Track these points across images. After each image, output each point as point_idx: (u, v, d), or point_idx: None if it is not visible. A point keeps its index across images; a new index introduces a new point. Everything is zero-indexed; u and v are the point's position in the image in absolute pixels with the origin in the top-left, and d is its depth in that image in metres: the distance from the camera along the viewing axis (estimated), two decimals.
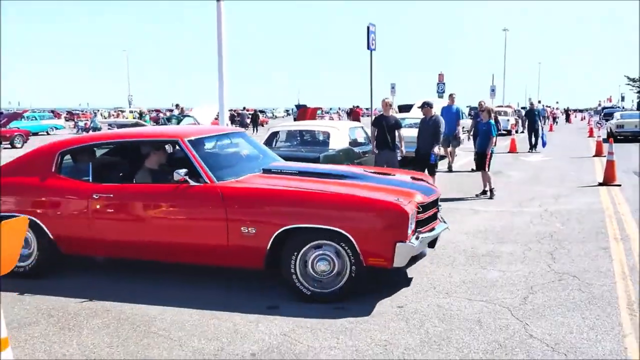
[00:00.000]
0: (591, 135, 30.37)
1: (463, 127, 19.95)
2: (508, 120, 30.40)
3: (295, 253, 4.99)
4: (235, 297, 5.19)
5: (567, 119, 53.45)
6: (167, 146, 6.24)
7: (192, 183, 5.26)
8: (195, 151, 5.47)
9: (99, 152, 6.46)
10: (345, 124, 12.02)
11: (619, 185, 11.53)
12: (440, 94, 32.90)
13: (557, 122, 48.12)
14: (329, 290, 4.99)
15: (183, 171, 5.22)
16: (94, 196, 5.50)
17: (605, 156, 17.46)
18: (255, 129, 37.29)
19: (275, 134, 10.86)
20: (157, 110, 64.79)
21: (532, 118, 20.94)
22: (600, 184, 11.81)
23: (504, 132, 28.07)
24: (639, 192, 10.61)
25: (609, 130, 26.88)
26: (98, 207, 5.48)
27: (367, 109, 47.62)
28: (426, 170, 9.73)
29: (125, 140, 6.36)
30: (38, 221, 5.63)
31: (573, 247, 6.78)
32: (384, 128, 9.82)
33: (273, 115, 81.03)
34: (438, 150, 10.69)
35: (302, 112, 29.85)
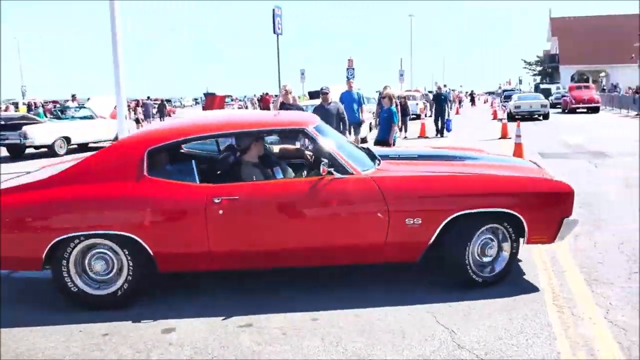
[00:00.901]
0: (495, 117, 31.42)
1: (373, 113, 19.86)
2: (417, 104, 30.74)
3: (468, 241, 4.73)
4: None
5: (472, 102, 55.32)
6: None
7: (337, 175, 4.61)
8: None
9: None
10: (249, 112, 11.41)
11: None
12: (350, 79, 32.78)
13: (462, 105, 49.64)
14: (490, 274, 4.88)
15: (327, 162, 4.59)
16: (215, 200, 4.49)
17: (510, 138, 17.94)
18: (161, 119, 35.66)
19: None
20: (55, 102, 60.79)
21: (439, 102, 20.84)
22: None
23: (414, 116, 28.38)
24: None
25: (508, 111, 28.43)
26: (221, 212, 4.48)
27: (276, 96, 46.87)
28: None
29: (234, 132, 5.18)
30: (135, 237, 4.51)
31: None
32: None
33: (181, 104, 78.55)
34: (348, 137, 10.34)
35: (210, 100, 28.79)
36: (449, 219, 4.62)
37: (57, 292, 4.67)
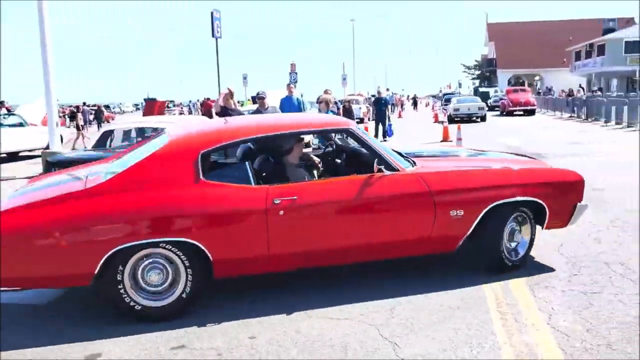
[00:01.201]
0: (436, 120, 31.97)
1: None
2: (360, 108, 30.90)
3: (502, 229, 5.15)
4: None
5: (415, 106, 56.16)
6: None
7: (386, 173, 4.82)
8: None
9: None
10: (187, 119, 11.06)
11: None
12: (294, 83, 32.63)
13: (404, 109, 50.37)
14: (517, 258, 5.35)
15: (378, 160, 4.83)
16: (275, 201, 4.48)
17: (452, 141, 18.20)
18: (99, 126, 34.44)
19: (108, 133, 9.54)
20: None
21: (379, 107, 20.44)
22: None
23: (357, 120, 28.52)
24: None
25: (449, 114, 29.27)
26: (282, 213, 4.48)
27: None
28: None
29: (283, 133, 5.10)
30: (197, 243, 4.35)
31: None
32: None
33: (121, 110, 76.44)
34: None
35: (150, 106, 27.98)
36: (487, 209, 4.99)
37: (112, 305, 4.44)
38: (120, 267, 4.30)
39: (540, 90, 58.81)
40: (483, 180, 5.12)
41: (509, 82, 68.25)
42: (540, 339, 3.99)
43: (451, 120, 26.96)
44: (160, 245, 4.34)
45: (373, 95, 39.47)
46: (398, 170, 4.88)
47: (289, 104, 12.31)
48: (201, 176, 4.45)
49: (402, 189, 4.82)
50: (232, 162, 5.27)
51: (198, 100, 54.40)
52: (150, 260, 4.39)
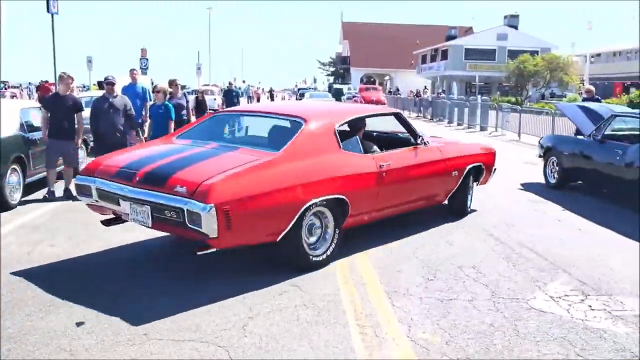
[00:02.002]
0: None
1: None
2: (215, 99, 30.07)
3: (470, 186, 7.59)
4: None
5: (271, 99, 56.03)
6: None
7: (423, 147, 6.75)
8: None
9: None
10: (15, 103, 9.69)
11: None
12: (144, 70, 30.89)
13: (260, 102, 50.06)
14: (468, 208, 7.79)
15: (421, 136, 6.88)
16: (382, 165, 5.92)
17: None
18: None
19: None
20: None
21: (230, 99, 19.24)
22: None
23: (212, 111, 27.61)
24: None
25: None
26: (384, 175, 5.92)
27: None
28: None
29: (370, 114, 6.80)
30: (345, 198, 5.45)
31: None
32: (59, 110, 8.09)
33: None
34: (138, 138, 9.25)
35: None
36: (466, 170, 7.32)
37: (294, 257, 5.21)
38: (303, 224, 5.14)
39: (390, 90, 61.73)
40: (465, 151, 7.56)
41: (362, 80, 70.88)
42: (401, 353, 3.79)
43: None
44: (325, 202, 5.28)
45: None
46: (427, 143, 6.84)
47: (133, 93, 10.86)
48: (341, 147, 5.68)
49: (432, 157, 6.80)
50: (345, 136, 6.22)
51: (29, 84, 49.60)
52: (312, 217, 5.27)
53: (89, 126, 8.88)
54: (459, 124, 25.60)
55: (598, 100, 13.42)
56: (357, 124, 6.51)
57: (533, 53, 46.76)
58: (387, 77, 77.59)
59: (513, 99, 40.14)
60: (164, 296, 4.66)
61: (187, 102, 11.68)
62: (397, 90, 54.96)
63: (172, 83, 10.94)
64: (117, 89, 9.21)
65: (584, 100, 13.29)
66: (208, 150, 5.45)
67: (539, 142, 10.90)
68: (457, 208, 7.46)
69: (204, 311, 4.36)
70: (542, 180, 10.24)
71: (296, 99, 46.11)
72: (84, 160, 10.54)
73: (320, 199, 5.17)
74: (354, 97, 43.19)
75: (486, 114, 22.90)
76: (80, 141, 8.63)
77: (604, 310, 4.53)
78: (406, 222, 7.13)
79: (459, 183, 7.23)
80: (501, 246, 6.26)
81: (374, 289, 4.90)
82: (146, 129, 9.73)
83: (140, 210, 4.93)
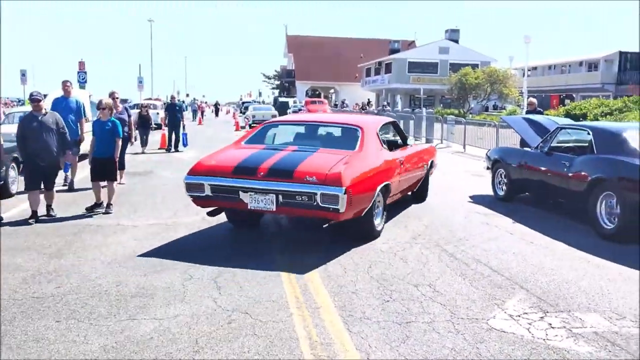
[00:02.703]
0: (238, 128, 31.62)
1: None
2: (158, 113, 29.28)
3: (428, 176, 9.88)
4: None
5: (216, 113, 55.33)
6: None
7: (410, 145, 9.30)
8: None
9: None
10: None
11: None
12: (82, 83, 29.81)
13: (205, 116, 49.28)
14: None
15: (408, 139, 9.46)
16: (399, 159, 7.90)
17: None
18: None
19: None
20: None
21: (173, 113, 18.48)
22: None
23: (155, 126, 26.93)
24: None
25: (250, 122, 29.97)
26: (401, 166, 7.82)
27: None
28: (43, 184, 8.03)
29: (385, 123, 8.65)
30: (390, 184, 7.36)
31: (239, 268, 5.79)
32: None
33: None
34: (72, 158, 8.72)
35: None
36: (429, 162, 9.54)
37: (368, 229, 6.94)
38: (376, 203, 6.99)
39: (336, 103, 62.00)
40: (427, 150, 9.85)
41: (307, 94, 70.94)
42: None
43: (251, 127, 27.20)
44: (385, 186, 7.13)
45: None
46: (412, 145, 9.25)
47: (65, 107, 9.99)
48: (383, 145, 7.65)
49: (417, 153, 8.96)
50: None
51: None
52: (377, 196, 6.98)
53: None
54: None
55: (541, 113, 13.71)
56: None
57: (474, 66, 48.00)
58: (332, 90, 78.00)
59: (456, 111, 40.97)
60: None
61: (129, 116, 11.07)
62: (343, 103, 55.15)
63: (111, 96, 10.33)
64: (48, 103, 8.61)
65: (528, 112, 13.53)
66: (296, 151, 6.97)
67: (487, 155, 10.95)
68: (421, 194, 9.49)
69: (144, 341, 3.98)
70: (491, 193, 10.27)
71: (241, 112, 46.60)
72: (16, 179, 9.89)
73: (383, 184, 6.99)
74: (300, 110, 43.09)
75: (431, 126, 23.15)
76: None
77: (564, 328, 4.42)
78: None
79: (425, 173, 9.29)
80: (456, 262, 6.12)
81: (329, 313, 4.64)
82: (89, 146, 8.98)
83: (263, 199, 6.31)
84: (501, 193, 9.92)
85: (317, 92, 76.90)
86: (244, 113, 41.27)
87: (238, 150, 7.22)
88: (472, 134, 19.75)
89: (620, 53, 52.33)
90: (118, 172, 9.71)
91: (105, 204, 8.58)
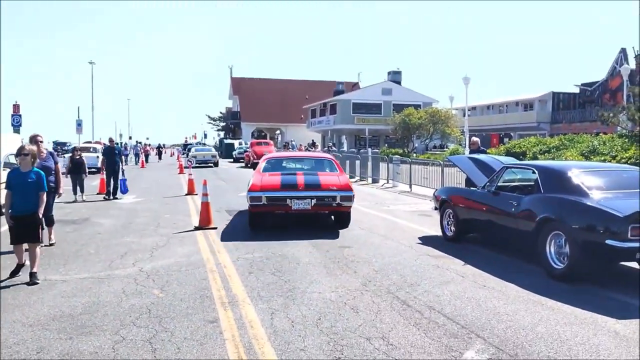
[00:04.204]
0: (182, 171, 30.93)
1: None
2: (98, 157, 28.34)
3: None
4: None
5: (159, 156, 54.26)
6: None
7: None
8: None
9: None
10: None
11: (215, 228, 10.94)
12: (17, 127, 28.62)
13: (148, 160, 48.25)
14: None
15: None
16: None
17: (197, 194, 17.31)
18: None
19: None
20: None
21: (110, 158, 17.41)
22: (196, 228, 11.00)
23: (94, 169, 26.03)
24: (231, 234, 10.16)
25: (192, 164, 29.91)
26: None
27: None
28: None
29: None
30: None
31: (177, 326, 5.32)
32: None
33: None
34: None
35: None
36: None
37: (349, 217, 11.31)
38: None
39: (285, 143, 62.01)
40: (339, 175, 11.87)
41: (253, 135, 70.81)
42: None
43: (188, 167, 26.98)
44: None
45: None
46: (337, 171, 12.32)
47: None
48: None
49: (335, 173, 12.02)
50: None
51: None
52: None
53: None
54: (351, 176, 25.75)
55: (484, 152, 13.84)
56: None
57: (416, 107, 49.19)
58: (278, 132, 78.18)
59: (400, 151, 41.53)
60: None
61: (56, 163, 9.44)
62: (288, 144, 55.27)
63: (33, 140, 9.00)
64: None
65: (471, 152, 13.64)
66: (306, 174, 11.45)
67: (434, 195, 10.87)
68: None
69: None
70: (440, 233, 10.14)
71: (183, 153, 48.97)
72: None
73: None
74: (245, 152, 42.79)
75: (377, 166, 23.23)
76: None
77: None
78: (308, 279, 6.58)
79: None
80: (409, 310, 5.83)
81: None
82: (2, 199, 7.84)
83: (302, 202, 10.48)
84: (450, 233, 9.79)
85: (263, 134, 76.93)
86: (187, 155, 43.20)
87: (270, 176, 11.32)
88: (418, 173, 19.88)
89: (553, 93, 54.95)
90: (46, 229, 8.93)
91: (30, 269, 7.11)
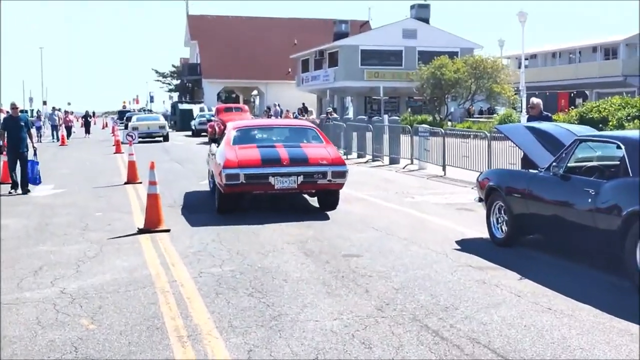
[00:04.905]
0: (118, 150, 30.98)
1: None
2: None
3: None
4: None
5: (87, 130, 53.93)
6: None
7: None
8: None
9: None
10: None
11: (168, 231, 10.97)
12: None
13: (71, 134, 48.12)
14: None
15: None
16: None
17: (140, 182, 17.36)
18: None
19: None
20: None
21: (15, 132, 16.83)
22: (141, 231, 11.03)
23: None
24: (193, 240, 10.20)
25: (133, 139, 29.76)
26: None
27: None
28: None
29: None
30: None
31: None
32: None
33: None
34: None
35: None
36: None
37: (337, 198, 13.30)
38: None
39: (268, 108, 61.84)
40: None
41: (219, 97, 70.84)
42: None
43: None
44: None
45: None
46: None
47: None
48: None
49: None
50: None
51: None
52: None
53: None
54: (359, 155, 25.83)
55: (549, 118, 13.87)
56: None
57: (451, 55, 49.20)
58: (254, 93, 78.27)
59: (429, 118, 41.70)
60: None
61: None
62: (274, 109, 55.06)
63: None
64: None
65: (530, 119, 13.68)
66: (288, 146, 13.06)
67: (478, 180, 10.92)
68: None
69: None
70: (486, 234, 10.20)
71: (121, 124, 49.06)
72: None
73: None
74: (209, 121, 42.78)
75: (397, 140, 23.28)
76: None
77: None
78: (301, 302, 6.63)
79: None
80: (443, 344, 5.88)
81: None
82: None
83: (287, 180, 12.08)
84: (500, 235, 9.85)
85: (234, 96, 76.99)
86: (125, 126, 44.62)
87: (245, 150, 12.80)
88: (455, 150, 19.92)
89: None
90: None
91: None
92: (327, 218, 12.31)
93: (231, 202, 12.68)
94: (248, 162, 12.13)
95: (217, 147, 14.25)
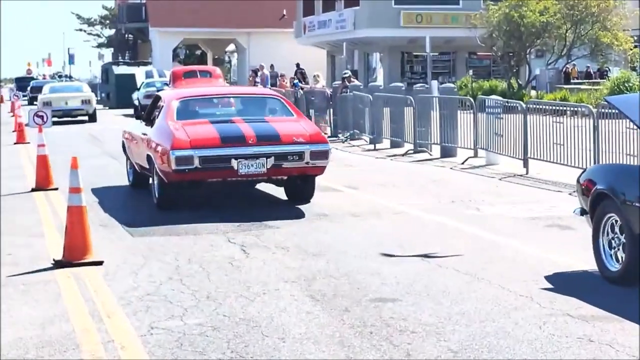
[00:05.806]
0: (21, 139, 31.08)
1: None
2: None
3: None
4: None
5: None
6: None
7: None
8: None
9: None
10: None
11: (100, 263, 11.04)
12: None
13: None
14: None
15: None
16: None
17: (56, 188, 17.43)
18: None
19: None
20: None
21: None
22: (58, 263, 11.11)
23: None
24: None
25: (45, 120, 30.13)
26: None
27: None
28: None
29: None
30: None
31: None
32: None
33: None
34: None
35: None
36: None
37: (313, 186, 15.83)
38: None
39: (254, 71, 61.88)
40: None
41: (176, 56, 70.96)
42: None
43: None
44: None
45: None
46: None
47: None
48: None
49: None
50: None
51: None
52: None
53: None
54: (394, 144, 25.86)
55: None
56: None
57: None
58: (231, 48, 78.38)
59: (502, 85, 41.66)
60: None
61: None
62: (264, 73, 55.24)
63: None
64: None
65: None
66: (250, 120, 15.25)
67: (579, 182, 10.91)
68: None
69: None
70: (592, 265, 10.20)
71: (24, 97, 54.42)
72: None
73: None
74: (161, 89, 42.80)
75: (452, 119, 23.22)
76: None
77: None
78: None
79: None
80: None
81: None
82: None
83: (254, 163, 14.15)
84: (615, 267, 9.85)
85: (200, 53, 77.08)
86: (31, 101, 46.72)
87: (197, 126, 14.50)
88: (543, 134, 19.85)
89: None
90: None
91: None
92: (342, 239, 12.28)
93: (176, 194, 14.10)
94: (204, 141, 13.80)
95: (147, 125, 15.42)
